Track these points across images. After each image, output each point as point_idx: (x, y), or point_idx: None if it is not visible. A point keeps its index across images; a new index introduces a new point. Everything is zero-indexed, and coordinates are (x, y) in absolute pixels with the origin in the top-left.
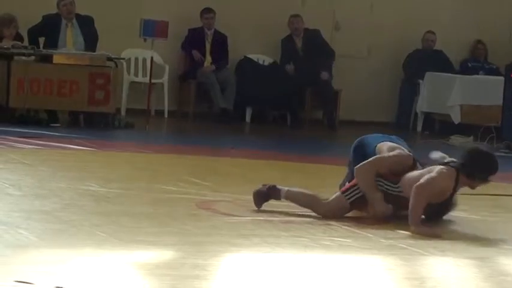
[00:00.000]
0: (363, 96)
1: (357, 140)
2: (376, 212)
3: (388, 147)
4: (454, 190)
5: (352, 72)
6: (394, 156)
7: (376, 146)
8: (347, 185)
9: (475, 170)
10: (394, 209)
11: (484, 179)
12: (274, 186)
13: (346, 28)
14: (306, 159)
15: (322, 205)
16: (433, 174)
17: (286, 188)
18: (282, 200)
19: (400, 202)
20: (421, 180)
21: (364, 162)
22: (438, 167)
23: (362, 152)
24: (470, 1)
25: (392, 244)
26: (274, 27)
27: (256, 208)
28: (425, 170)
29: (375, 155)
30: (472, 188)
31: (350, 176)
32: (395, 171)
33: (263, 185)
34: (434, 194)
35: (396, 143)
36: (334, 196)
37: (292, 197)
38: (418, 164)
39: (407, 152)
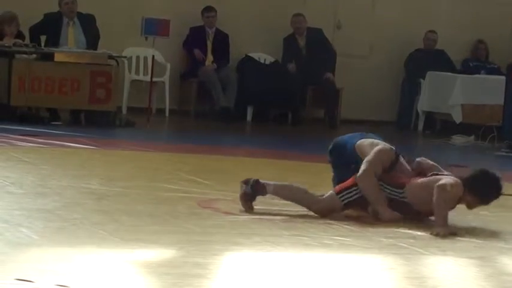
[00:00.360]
0: (364, 95)
1: (332, 142)
2: (384, 221)
3: (368, 144)
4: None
5: (353, 71)
6: (380, 151)
7: (354, 144)
8: (341, 185)
9: (484, 192)
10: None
11: (487, 203)
12: (257, 181)
13: (347, 27)
14: (307, 158)
15: (315, 202)
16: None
17: (272, 183)
18: (268, 195)
19: (404, 208)
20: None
21: (362, 171)
22: (448, 177)
23: (340, 152)
24: (472, 1)
25: (393, 243)
26: (276, 25)
27: (246, 212)
28: (425, 179)
29: (353, 153)
30: (470, 208)
31: (337, 179)
32: (384, 168)
33: (244, 182)
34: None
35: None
36: (328, 194)
37: (281, 193)
38: (400, 158)
39: (389, 146)
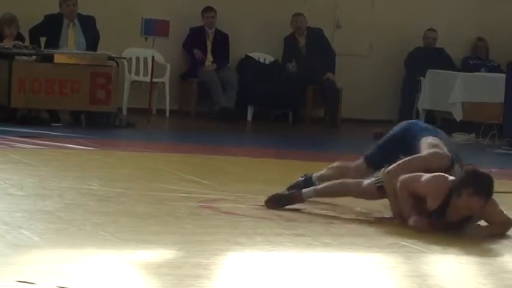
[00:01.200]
0: (365, 94)
1: (408, 123)
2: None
3: (427, 144)
4: (443, 204)
5: (353, 70)
6: (429, 156)
7: (421, 139)
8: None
9: (462, 183)
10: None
11: (469, 194)
12: (296, 192)
13: (347, 26)
14: (308, 157)
15: (353, 189)
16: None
17: (312, 188)
18: (308, 201)
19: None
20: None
21: (392, 168)
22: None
23: (406, 141)
24: None
25: (393, 242)
26: (275, 25)
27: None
28: None
29: (416, 148)
30: (463, 210)
31: (377, 150)
32: (429, 170)
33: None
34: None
35: (441, 139)
36: (367, 181)
37: (324, 193)
38: (456, 166)
39: (446, 152)
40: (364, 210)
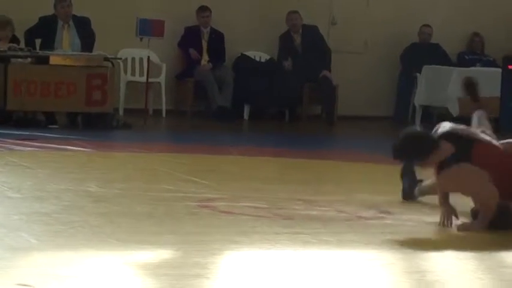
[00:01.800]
0: (361, 91)
1: None
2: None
3: None
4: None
5: (349, 67)
6: None
7: None
8: None
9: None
10: None
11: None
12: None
13: (342, 23)
14: (305, 155)
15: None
16: None
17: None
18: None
19: None
20: None
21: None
22: None
23: None
24: None
25: (391, 239)
26: (270, 23)
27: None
28: None
29: None
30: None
31: None
32: None
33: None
34: None
35: None
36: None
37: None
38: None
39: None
40: (362, 207)
